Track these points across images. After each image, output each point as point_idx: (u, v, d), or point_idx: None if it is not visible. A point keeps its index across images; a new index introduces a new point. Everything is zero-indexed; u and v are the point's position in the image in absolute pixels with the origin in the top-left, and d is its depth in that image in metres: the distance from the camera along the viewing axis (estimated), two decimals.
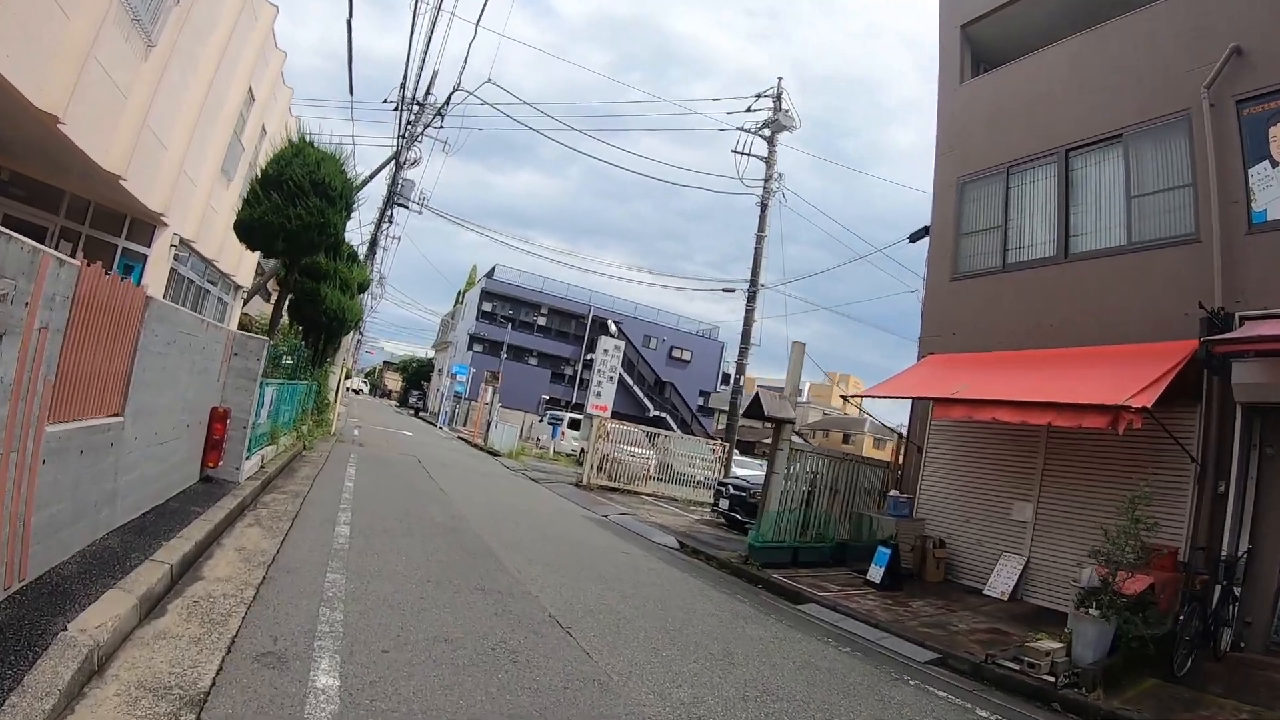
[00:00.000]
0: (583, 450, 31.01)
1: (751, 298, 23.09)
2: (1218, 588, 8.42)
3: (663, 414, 54.13)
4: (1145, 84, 11.04)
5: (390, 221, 27.65)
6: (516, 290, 56.01)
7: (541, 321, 56.54)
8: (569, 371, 56.85)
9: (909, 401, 13.60)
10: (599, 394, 20.17)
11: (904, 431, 14.12)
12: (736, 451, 22.30)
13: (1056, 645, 7.48)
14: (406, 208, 26.63)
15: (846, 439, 70.37)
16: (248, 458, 9.83)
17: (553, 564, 8.88)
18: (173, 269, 16.25)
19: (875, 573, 10.97)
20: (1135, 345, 10.28)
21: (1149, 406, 8.32)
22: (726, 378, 65.58)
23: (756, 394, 11.82)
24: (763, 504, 11.75)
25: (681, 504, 20.39)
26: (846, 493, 13.17)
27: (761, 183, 23.79)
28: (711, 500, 20.44)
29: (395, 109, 25.85)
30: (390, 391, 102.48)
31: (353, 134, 36.46)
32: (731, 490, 16.39)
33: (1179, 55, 10.60)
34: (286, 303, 15.95)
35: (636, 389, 55.58)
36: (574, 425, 34.80)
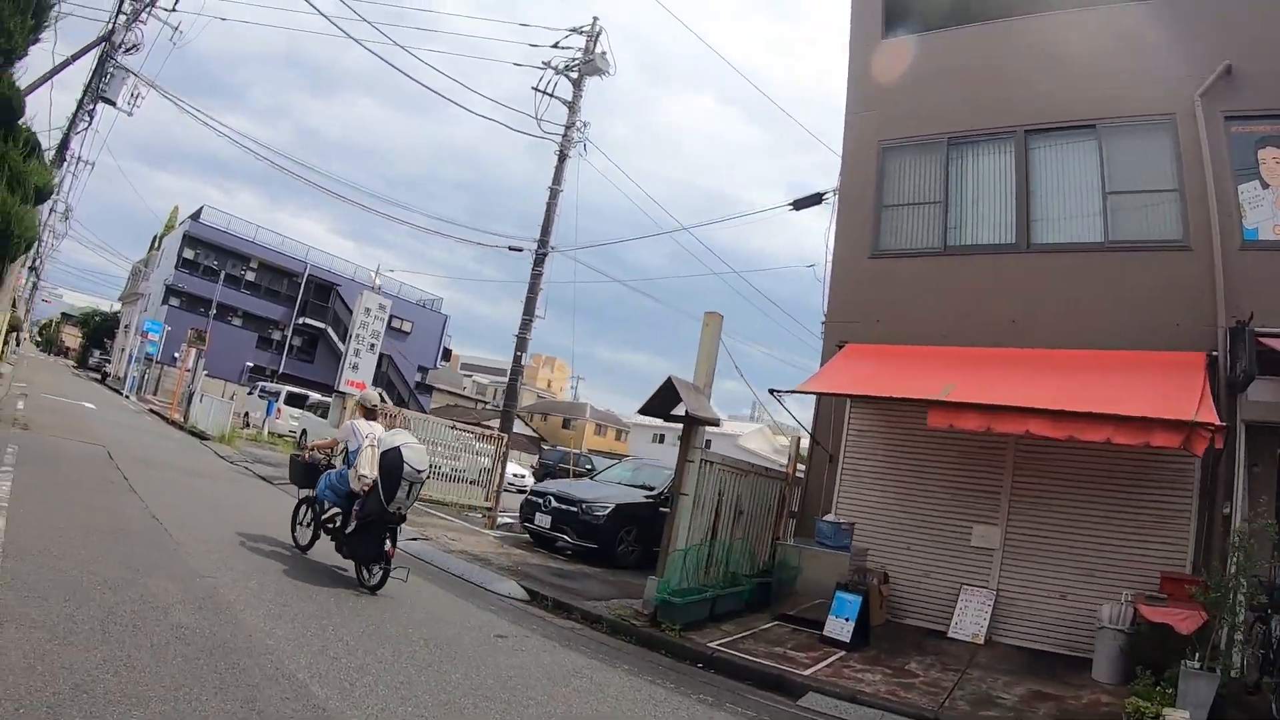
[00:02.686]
0: (304, 433, 25.62)
1: (540, 260, 19.54)
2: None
3: (378, 390, 48.55)
4: (1126, 79, 10.12)
5: (91, 119, 20.00)
6: (225, 238, 46.37)
7: (250, 277, 47.39)
8: (278, 336, 48.84)
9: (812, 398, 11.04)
10: (356, 366, 15.39)
11: (801, 436, 11.50)
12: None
13: (1181, 714, 6.02)
14: (113, 104, 19.65)
15: (567, 424, 68.87)
16: None
17: (389, 680, 4.82)
18: None
19: (839, 628, 8.17)
20: (1130, 352, 9.03)
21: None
22: (447, 353, 60.82)
23: (669, 382, 8.42)
24: (668, 538, 8.39)
25: (453, 509, 16.25)
26: (750, 515, 10.22)
27: (561, 129, 20.40)
28: (485, 504, 16.93)
29: None
30: (68, 349, 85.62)
31: None
32: (554, 504, 12.67)
33: (1168, 58, 9.87)
34: None
35: None
36: (292, 401, 28.90)
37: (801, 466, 11.67)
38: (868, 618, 8.40)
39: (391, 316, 52.44)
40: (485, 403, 73.37)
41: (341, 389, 15.03)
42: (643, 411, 9.02)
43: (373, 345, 15.45)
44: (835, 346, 11.15)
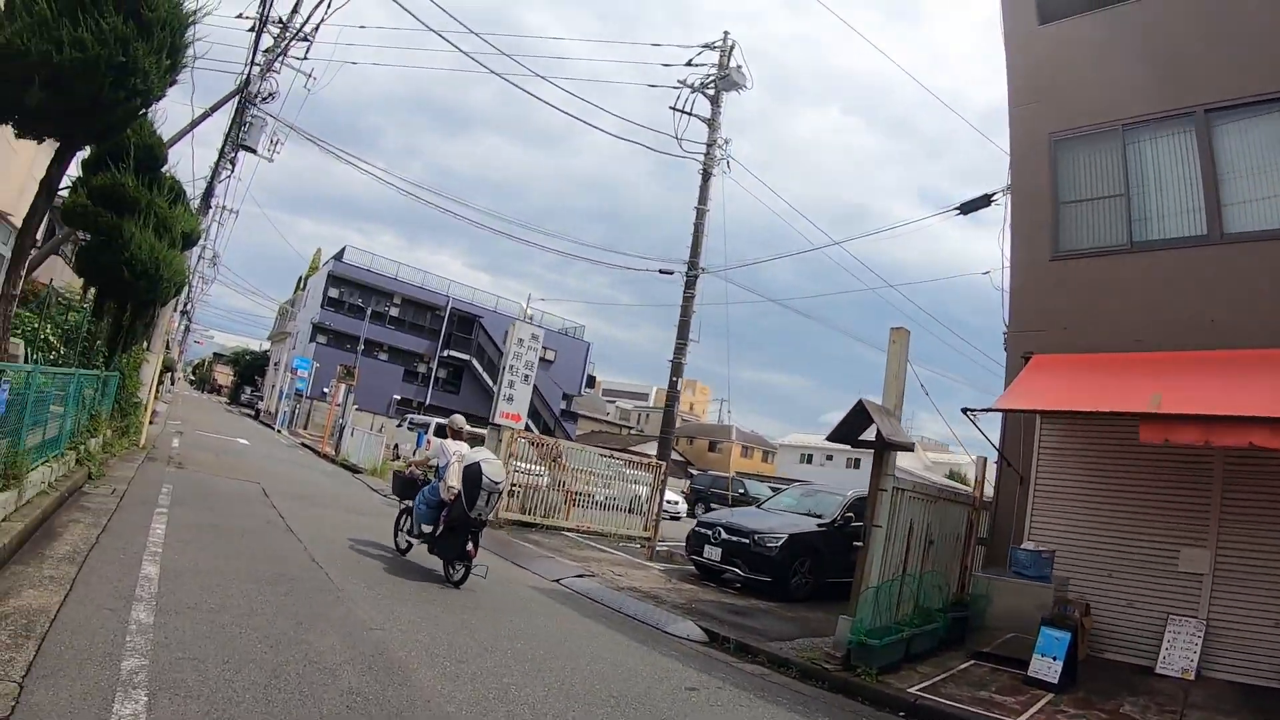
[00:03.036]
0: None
1: (691, 282, 19.40)
2: None
3: (526, 419, 49.59)
4: None
5: (233, 166, 21.42)
6: (367, 276, 49.15)
7: (394, 312, 49.91)
8: (423, 369, 50.99)
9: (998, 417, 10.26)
10: (510, 398, 15.37)
11: (990, 459, 10.73)
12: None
13: None
14: (254, 152, 20.90)
15: (713, 447, 68.49)
16: None
17: None
18: None
19: (1046, 667, 7.46)
20: None
21: None
22: (591, 380, 61.63)
23: (860, 405, 7.98)
24: (861, 575, 7.94)
25: (611, 540, 16.24)
26: (939, 544, 9.59)
27: (702, 148, 20.25)
28: (642, 533, 16.85)
29: (251, 28, 20.33)
30: (221, 387, 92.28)
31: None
32: (724, 535, 12.35)
33: None
34: (69, 247, 10.68)
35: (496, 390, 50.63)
36: (441, 433, 29.77)
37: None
38: (1075, 655, 7.66)
39: None
40: (630, 428, 74.03)
41: (496, 421, 15.08)
42: (831, 438, 8.55)
43: (526, 376, 15.51)
44: (1021, 359, 10.36)
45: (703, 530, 12.85)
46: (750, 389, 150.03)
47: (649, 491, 17.69)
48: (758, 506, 15.60)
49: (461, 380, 51.59)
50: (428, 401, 48.73)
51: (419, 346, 50.59)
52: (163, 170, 13.25)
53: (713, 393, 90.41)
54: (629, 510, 17.78)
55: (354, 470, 21.92)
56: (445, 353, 50.64)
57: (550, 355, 53.62)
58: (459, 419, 9.90)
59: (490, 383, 50.46)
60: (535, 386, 53.79)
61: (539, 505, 15.99)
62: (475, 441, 10.09)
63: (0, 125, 7.40)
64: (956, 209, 12.98)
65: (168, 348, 50.65)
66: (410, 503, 9.41)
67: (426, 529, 8.80)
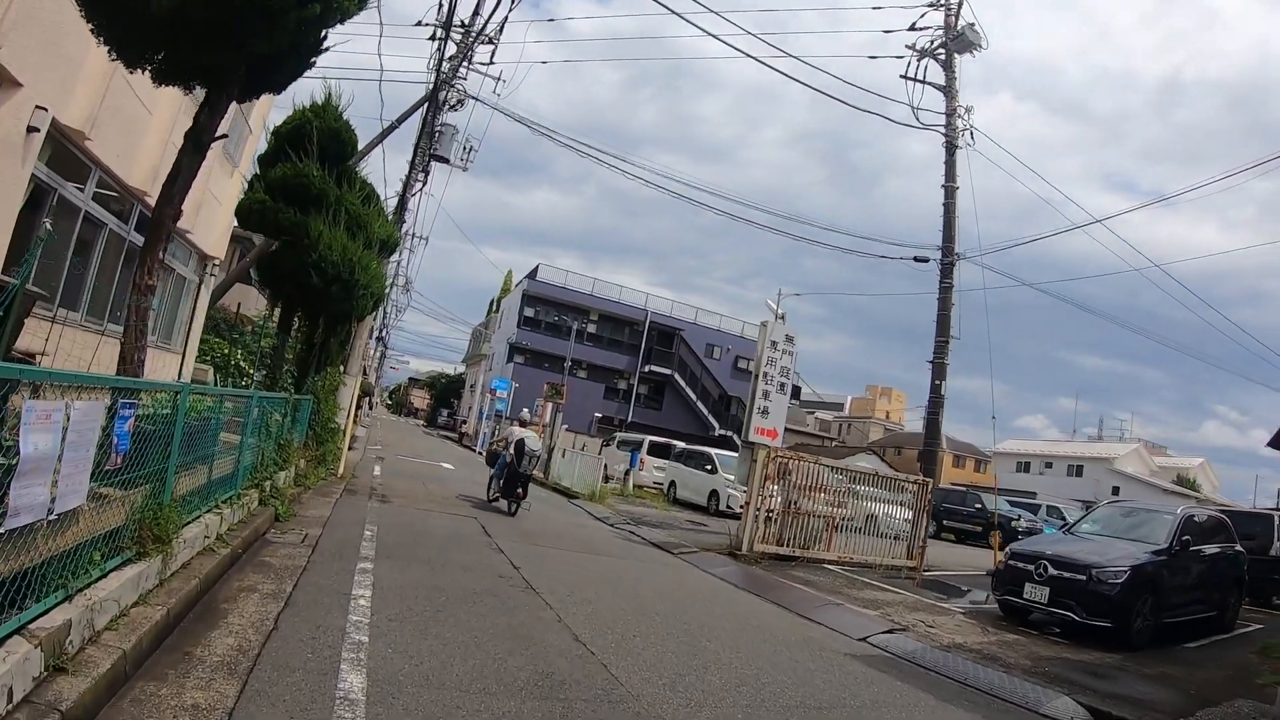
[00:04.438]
0: (672, 484, 24.21)
1: (948, 271, 16.31)
2: None
3: (729, 433, 46.96)
4: None
5: (425, 178, 20.39)
6: (562, 293, 48.62)
7: (592, 329, 48.94)
8: (623, 385, 49.77)
9: None
10: (765, 410, 12.87)
11: None
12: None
13: None
14: (446, 161, 19.82)
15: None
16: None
17: None
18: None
19: None
20: None
21: None
22: (796, 391, 58.17)
23: None
24: None
25: (878, 572, 13.36)
26: None
27: (943, 118, 17.20)
28: (907, 562, 14.27)
29: (432, 36, 19.34)
30: (417, 410, 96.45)
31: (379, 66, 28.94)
32: (1051, 572, 9.43)
33: None
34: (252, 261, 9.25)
35: (700, 405, 48.49)
36: (655, 451, 27.83)
37: None
38: None
39: (737, 357, 51.85)
40: (831, 439, 70.05)
41: (751, 439, 12.72)
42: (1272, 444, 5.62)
43: (782, 385, 13.02)
44: None
45: (1021, 565, 10.16)
46: (920, 391, 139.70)
47: (911, 514, 14.77)
48: (1066, 531, 12.34)
49: (664, 396, 49.89)
50: (629, 419, 47.46)
51: (619, 363, 49.48)
52: (351, 165, 11.69)
53: (908, 400, 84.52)
54: (895, 537, 14.83)
55: (569, 495, 20.16)
56: (646, 368, 49.08)
57: (753, 366, 51.01)
58: (525, 413, 18.99)
59: (693, 396, 48.56)
60: (738, 399, 51.14)
61: (797, 534, 13.30)
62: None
63: (129, 71, 5.70)
64: None
65: (365, 372, 52.05)
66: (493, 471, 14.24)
67: (499, 483, 13.72)
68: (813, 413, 75.68)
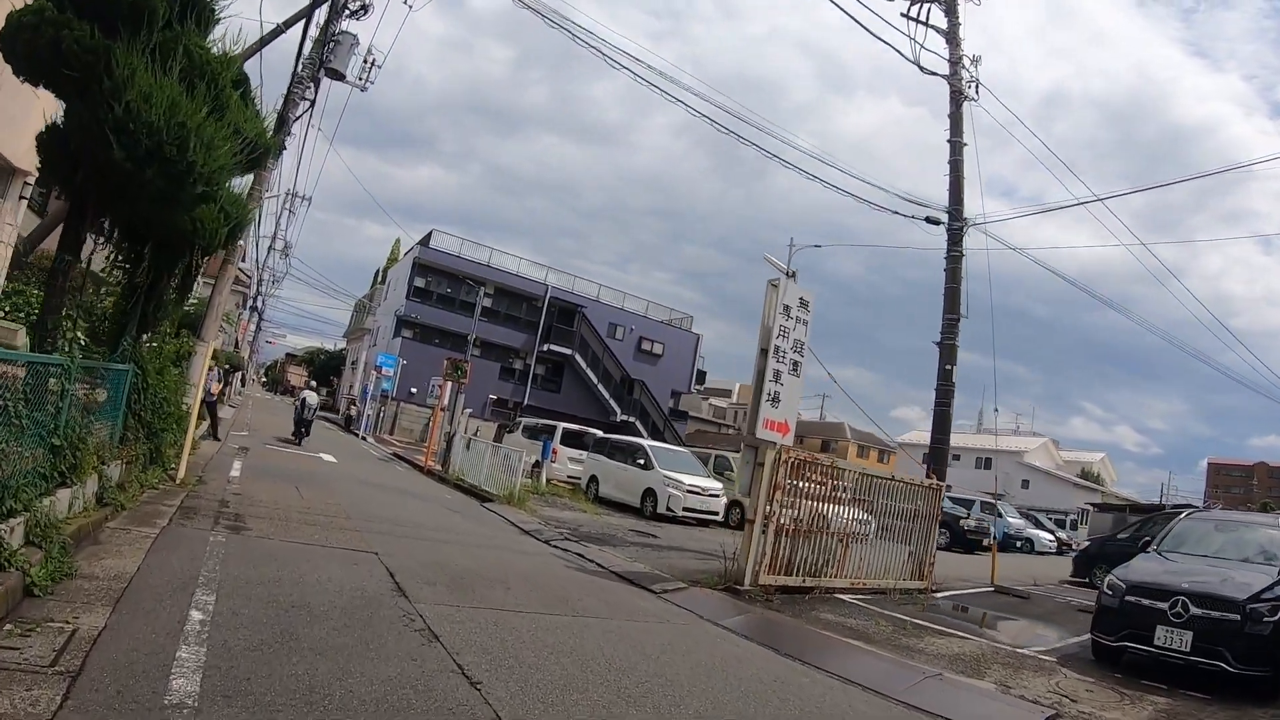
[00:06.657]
0: (594, 480, 20.94)
1: (956, 238, 13.76)
2: None
3: (630, 418, 43.99)
4: None
5: (315, 89, 15.86)
6: (457, 263, 43.99)
7: (487, 303, 45.01)
8: (519, 366, 45.93)
9: None
10: (775, 398, 9.50)
11: None
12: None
13: None
14: (342, 78, 15.74)
15: (826, 447, 62.66)
16: None
17: None
18: None
19: None
20: None
21: None
22: (701, 375, 55.65)
23: None
24: None
25: (893, 599, 10.74)
26: None
27: (948, 65, 14.73)
28: (916, 583, 11.81)
29: None
30: (294, 388, 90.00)
31: None
32: (1193, 610, 7.08)
33: None
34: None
35: (601, 387, 45.23)
36: (568, 441, 24.53)
37: None
38: None
39: (640, 339, 48.50)
40: (729, 426, 68.17)
41: (758, 435, 9.31)
42: None
43: (795, 364, 9.66)
44: None
45: (1146, 604, 7.65)
46: (811, 380, 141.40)
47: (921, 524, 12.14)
48: (1157, 552, 9.60)
49: (562, 378, 46.23)
50: (525, 401, 43.80)
51: (515, 340, 45.52)
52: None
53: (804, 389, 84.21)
54: (910, 552, 12.09)
55: (481, 497, 16.41)
56: (545, 347, 45.23)
57: (657, 349, 48.34)
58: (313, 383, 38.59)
59: (594, 379, 45.23)
60: (642, 384, 47.84)
61: (807, 557, 10.24)
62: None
63: None
64: None
65: (237, 345, 46.36)
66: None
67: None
68: (706, 399, 73.64)
